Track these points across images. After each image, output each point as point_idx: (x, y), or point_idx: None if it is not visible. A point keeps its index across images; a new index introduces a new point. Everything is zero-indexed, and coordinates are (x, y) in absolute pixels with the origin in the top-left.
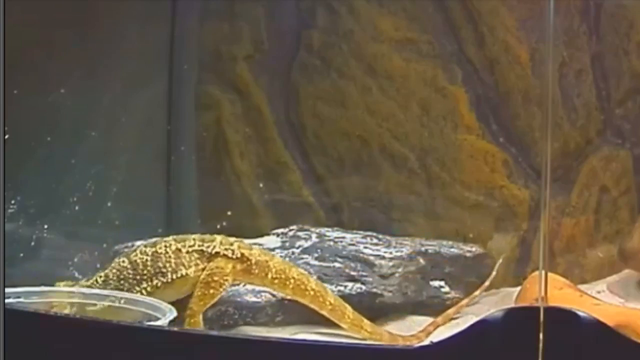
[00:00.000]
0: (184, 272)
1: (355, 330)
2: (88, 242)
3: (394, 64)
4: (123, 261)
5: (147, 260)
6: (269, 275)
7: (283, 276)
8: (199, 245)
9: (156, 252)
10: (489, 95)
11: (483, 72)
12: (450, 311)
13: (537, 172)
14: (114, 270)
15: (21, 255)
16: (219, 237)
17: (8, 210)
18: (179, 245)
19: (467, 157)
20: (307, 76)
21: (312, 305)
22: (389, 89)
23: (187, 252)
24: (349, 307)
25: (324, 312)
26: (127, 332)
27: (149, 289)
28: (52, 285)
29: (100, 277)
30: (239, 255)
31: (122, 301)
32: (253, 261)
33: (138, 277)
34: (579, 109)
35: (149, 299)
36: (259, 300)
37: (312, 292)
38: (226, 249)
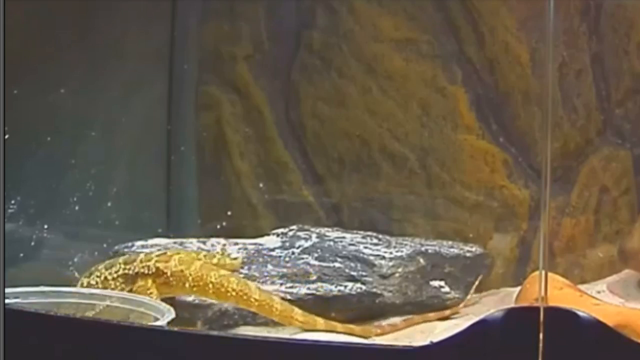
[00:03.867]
0: (108, 301)
1: (286, 321)
2: (88, 242)
3: (394, 64)
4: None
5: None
6: (187, 284)
7: (201, 283)
8: (123, 269)
9: (89, 283)
10: (489, 95)
11: (483, 72)
12: (431, 315)
13: (537, 172)
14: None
15: (21, 255)
16: (141, 255)
17: (8, 210)
18: (107, 274)
19: (467, 157)
20: (307, 76)
21: (239, 305)
22: (389, 89)
23: (113, 278)
24: (276, 300)
25: (252, 309)
26: (127, 332)
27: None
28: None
29: None
30: (154, 270)
31: (121, 301)
32: (169, 273)
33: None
34: (579, 109)
35: (147, 299)
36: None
37: (233, 293)
38: (143, 267)
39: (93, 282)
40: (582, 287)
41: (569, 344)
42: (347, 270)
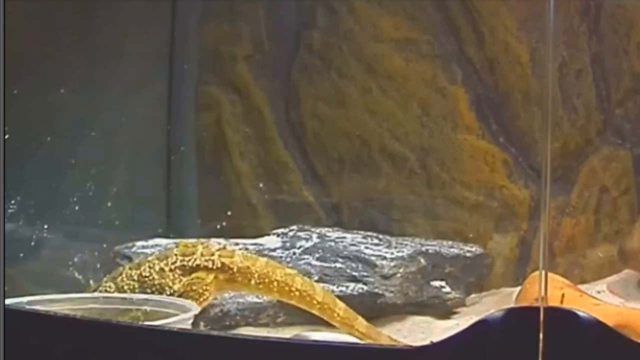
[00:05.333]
0: (168, 291)
1: (346, 329)
2: (88, 242)
3: (394, 64)
4: (110, 286)
5: (134, 286)
6: (252, 281)
7: (267, 280)
8: (180, 261)
9: (141, 275)
10: (489, 95)
11: (483, 72)
12: None
13: (537, 172)
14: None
15: (21, 255)
16: (200, 248)
17: (8, 210)
18: (162, 264)
19: (467, 157)
20: (307, 76)
21: (300, 305)
22: (389, 89)
23: (170, 269)
24: (340, 305)
25: (313, 311)
26: (127, 332)
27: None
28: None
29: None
30: (219, 265)
31: (148, 304)
32: (235, 269)
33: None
34: (579, 109)
35: (172, 299)
36: (261, 300)
37: (297, 293)
38: (206, 260)
39: (146, 274)
40: (582, 287)
41: (569, 344)
42: (348, 271)
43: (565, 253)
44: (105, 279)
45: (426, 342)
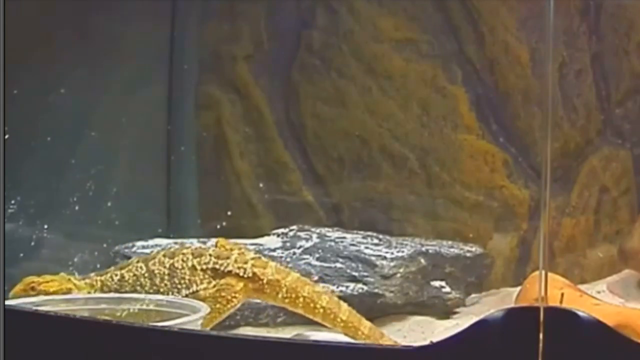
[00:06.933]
0: (195, 288)
1: None
2: (88, 242)
3: (394, 64)
4: (141, 267)
5: (164, 273)
6: (280, 295)
7: (293, 295)
8: (213, 263)
9: (173, 265)
10: (489, 95)
11: (483, 72)
12: None
13: (537, 172)
14: (131, 274)
15: (21, 255)
16: (234, 254)
17: (8, 210)
18: (195, 262)
19: (467, 157)
20: (307, 76)
21: (324, 323)
22: (389, 89)
23: (202, 269)
24: (364, 323)
25: (337, 329)
26: (127, 332)
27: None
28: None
29: (116, 275)
30: (250, 274)
31: (154, 304)
32: (265, 281)
33: (155, 288)
34: (579, 109)
35: (180, 299)
36: (261, 300)
37: (321, 310)
38: (239, 268)
39: (178, 266)
40: (582, 287)
41: (569, 344)
42: (348, 271)
43: (565, 253)
44: (137, 259)
45: (426, 342)
